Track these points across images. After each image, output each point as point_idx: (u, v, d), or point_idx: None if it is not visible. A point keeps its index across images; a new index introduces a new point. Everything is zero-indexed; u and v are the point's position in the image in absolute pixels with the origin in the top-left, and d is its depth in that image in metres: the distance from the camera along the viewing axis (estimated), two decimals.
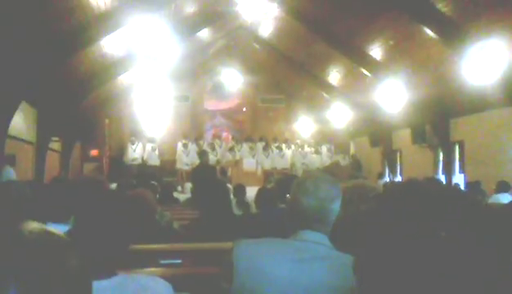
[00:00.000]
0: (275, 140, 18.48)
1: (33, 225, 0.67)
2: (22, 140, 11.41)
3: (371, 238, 0.88)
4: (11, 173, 9.41)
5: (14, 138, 10.54)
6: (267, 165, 16.75)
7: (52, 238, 0.67)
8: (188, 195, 10.63)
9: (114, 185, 8.12)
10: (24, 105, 10.57)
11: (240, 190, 7.30)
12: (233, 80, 19.20)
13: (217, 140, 17.97)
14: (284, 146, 17.89)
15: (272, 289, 1.67)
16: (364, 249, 0.90)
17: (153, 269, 2.93)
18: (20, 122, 10.97)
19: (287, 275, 1.67)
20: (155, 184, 8.20)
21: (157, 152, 17.19)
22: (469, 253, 0.78)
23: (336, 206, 1.84)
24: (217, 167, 13.47)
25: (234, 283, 1.70)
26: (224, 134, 19.09)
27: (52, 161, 13.83)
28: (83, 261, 0.70)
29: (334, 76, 16.03)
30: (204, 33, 15.20)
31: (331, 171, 15.37)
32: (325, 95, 17.32)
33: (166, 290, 1.80)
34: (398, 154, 16.26)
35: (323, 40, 13.33)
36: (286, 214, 1.90)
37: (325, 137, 19.17)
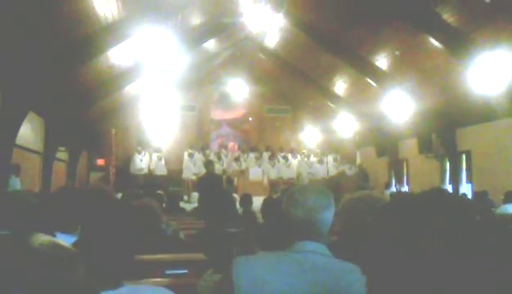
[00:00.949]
0: (281, 149, 18.47)
1: (42, 237, 0.68)
2: (29, 150, 11.46)
3: (383, 253, 0.87)
4: (16, 183, 9.44)
5: (21, 148, 10.60)
6: (273, 175, 16.74)
7: (60, 250, 0.68)
8: (195, 205, 10.63)
9: (120, 195, 8.14)
10: (31, 115, 10.63)
11: (246, 200, 7.27)
12: (239, 90, 19.23)
13: (223, 150, 17.98)
14: (290, 156, 17.88)
15: None
16: (376, 265, 0.89)
17: (159, 280, 2.93)
18: (28, 132, 11.03)
19: (288, 289, 1.66)
20: (162, 193, 8.22)
21: (163, 161, 17.22)
22: (486, 269, 0.77)
23: (327, 215, 1.83)
24: (224, 177, 13.45)
25: None
26: (230, 144, 19.09)
27: (59, 170, 13.89)
28: (89, 272, 0.71)
29: (340, 86, 16.04)
30: (211, 44, 15.28)
31: (337, 181, 15.33)
32: (331, 105, 17.31)
33: None
34: (405, 164, 16.20)
35: (329, 50, 13.35)
36: (282, 226, 1.90)
37: (331, 147, 19.12)
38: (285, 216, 1.86)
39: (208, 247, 2.78)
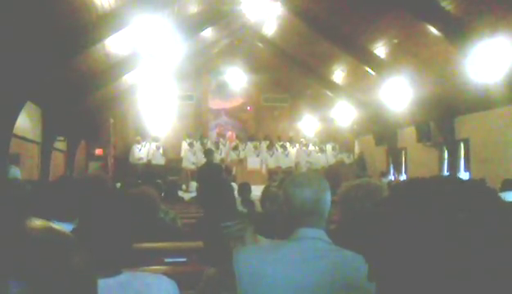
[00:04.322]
0: (279, 138, 18.47)
1: (37, 222, 0.67)
2: (27, 140, 11.45)
3: (391, 244, 0.86)
4: (16, 172, 9.45)
5: (19, 137, 10.58)
6: (272, 164, 16.75)
7: (56, 235, 0.67)
8: (193, 194, 10.65)
9: (119, 184, 8.14)
10: (29, 105, 10.60)
11: (244, 189, 7.28)
12: (237, 79, 19.20)
13: (222, 139, 17.98)
14: (288, 145, 17.89)
15: (277, 293, 1.66)
16: (384, 255, 0.87)
17: (158, 267, 2.93)
18: (25, 122, 11.01)
19: (290, 277, 1.66)
20: (160, 182, 8.22)
21: (161, 151, 17.23)
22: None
23: (329, 197, 1.86)
24: (223, 166, 13.44)
25: (238, 291, 1.69)
26: (228, 133, 19.09)
27: (57, 160, 13.89)
28: (88, 258, 0.70)
29: (339, 74, 16.00)
30: (208, 33, 15.20)
31: (336, 170, 15.36)
32: (329, 93, 17.28)
33: (171, 288, 1.80)
34: (403, 153, 16.22)
35: (327, 39, 13.30)
36: (282, 214, 1.90)
37: (329, 136, 19.13)
38: (289, 200, 1.85)
39: (205, 241, 2.78)
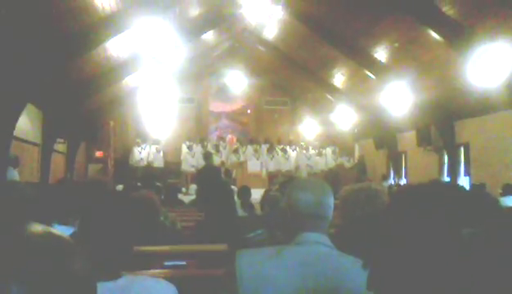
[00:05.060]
0: (279, 142, 18.46)
1: (36, 227, 0.67)
2: (27, 142, 11.45)
3: (389, 250, 0.86)
4: (14, 175, 9.42)
5: (19, 139, 10.58)
6: (272, 167, 16.73)
7: (55, 240, 0.67)
8: (193, 197, 10.63)
9: (120, 187, 8.13)
10: (29, 107, 10.61)
11: (244, 192, 7.27)
12: (238, 82, 19.21)
13: (222, 142, 17.97)
14: (288, 148, 17.87)
15: None
16: (383, 262, 0.87)
17: (157, 271, 2.93)
18: (26, 124, 11.01)
19: (292, 281, 1.66)
20: (160, 185, 8.21)
21: (161, 154, 17.23)
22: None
23: (332, 202, 1.87)
24: (222, 169, 13.44)
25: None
26: (228, 136, 19.08)
27: (58, 162, 13.89)
28: (87, 263, 0.70)
29: (339, 78, 16.01)
30: (209, 36, 15.22)
31: (336, 173, 15.37)
32: (329, 97, 17.29)
33: (170, 292, 1.80)
34: (403, 157, 16.22)
35: (328, 42, 13.31)
36: (285, 218, 1.90)
37: (329, 139, 19.13)
38: (293, 204, 1.85)
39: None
